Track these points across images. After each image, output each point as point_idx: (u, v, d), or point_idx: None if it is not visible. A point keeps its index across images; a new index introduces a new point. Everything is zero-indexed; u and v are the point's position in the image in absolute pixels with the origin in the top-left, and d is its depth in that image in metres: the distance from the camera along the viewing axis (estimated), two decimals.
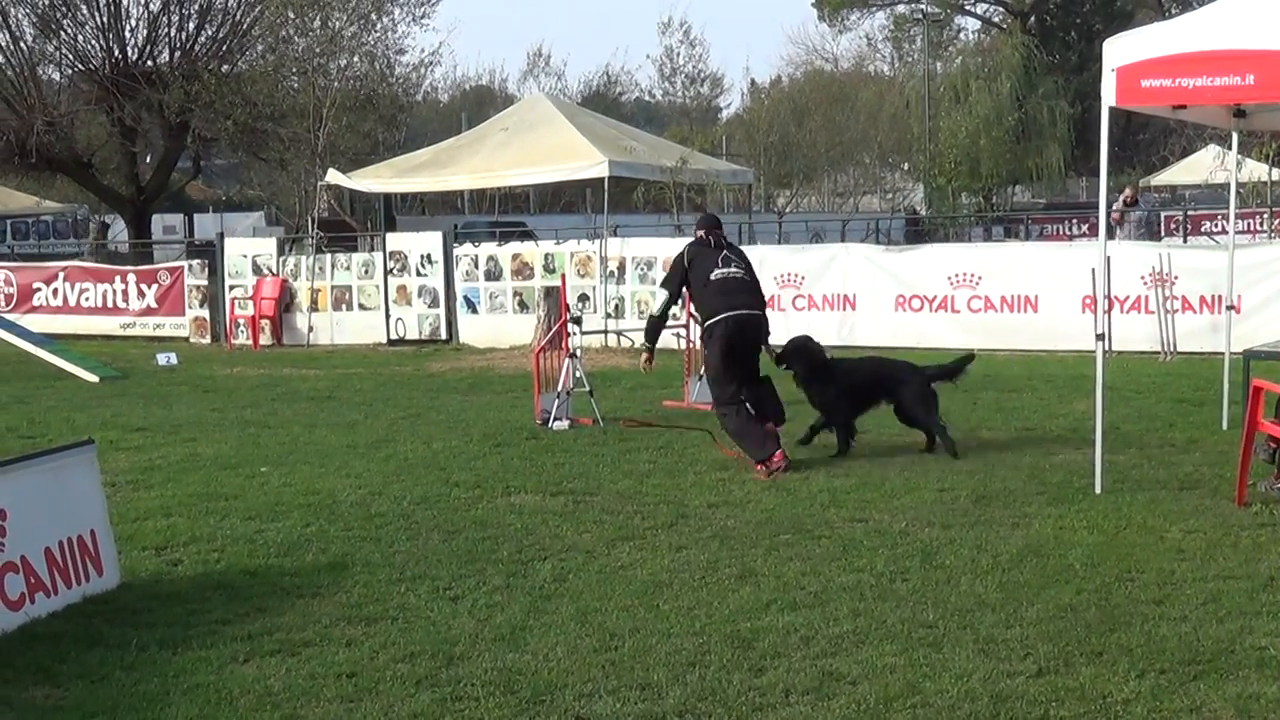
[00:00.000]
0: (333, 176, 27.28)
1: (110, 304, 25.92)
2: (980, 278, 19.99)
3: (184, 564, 8.13)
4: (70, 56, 32.38)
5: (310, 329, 23.87)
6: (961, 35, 63.56)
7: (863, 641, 6.41)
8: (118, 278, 26.02)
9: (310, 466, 11.22)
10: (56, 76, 33.87)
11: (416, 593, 7.37)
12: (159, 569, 8.03)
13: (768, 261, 21.29)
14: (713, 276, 11.17)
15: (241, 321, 24.27)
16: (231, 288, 24.57)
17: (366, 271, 23.77)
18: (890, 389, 11.46)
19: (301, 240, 26.42)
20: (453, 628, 6.73)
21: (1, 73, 31.34)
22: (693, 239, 11.76)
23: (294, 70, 30.69)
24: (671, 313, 12.18)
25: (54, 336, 22.28)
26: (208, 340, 24.68)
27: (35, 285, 26.72)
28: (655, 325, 11.76)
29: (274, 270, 24.34)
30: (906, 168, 55.55)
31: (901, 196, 56.06)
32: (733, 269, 11.25)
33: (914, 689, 5.78)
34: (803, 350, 11.73)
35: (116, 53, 31.78)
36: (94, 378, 18.49)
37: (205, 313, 24.93)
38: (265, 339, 23.91)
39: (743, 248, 13.37)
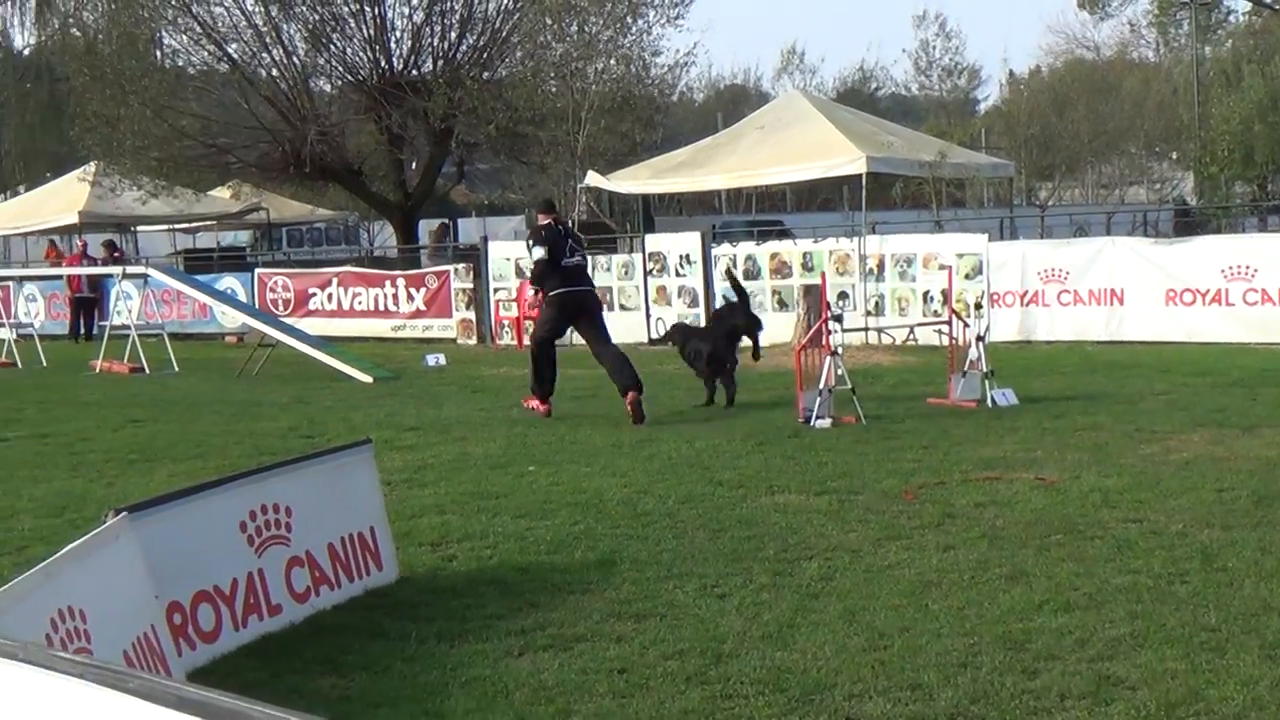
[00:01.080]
0: (592, 179, 27.67)
1: (381, 307, 26.79)
2: (1256, 270, 19.21)
3: (458, 560, 8.36)
4: (340, 69, 33.50)
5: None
6: (1230, 18, 61.13)
7: (1141, 645, 6.23)
8: (387, 282, 26.89)
9: (577, 465, 11.41)
10: (327, 88, 35.11)
11: (684, 590, 7.44)
12: (435, 564, 8.27)
13: (1030, 256, 20.84)
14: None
15: (506, 323, 24.81)
16: (496, 290, 25.15)
17: (626, 272, 24.05)
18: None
19: None
20: (720, 625, 6.77)
21: (276, 86, 32.59)
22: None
23: (552, 75, 31.21)
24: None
25: (329, 339, 23.14)
26: (474, 341, 25.30)
27: (311, 290, 27.78)
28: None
29: None
30: (1175, 157, 53.68)
31: (1170, 187, 54.20)
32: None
33: (1197, 695, 5.59)
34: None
35: (383, 63, 32.77)
36: (368, 379, 19.15)
37: (471, 315, 25.57)
38: (528, 339, 24.37)
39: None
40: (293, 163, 31.92)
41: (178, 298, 28.13)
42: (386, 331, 26.52)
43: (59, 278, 30.79)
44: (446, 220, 38.64)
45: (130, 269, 24.91)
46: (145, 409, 16.64)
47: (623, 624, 6.87)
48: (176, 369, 21.64)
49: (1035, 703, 5.59)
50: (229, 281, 28.85)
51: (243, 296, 27.82)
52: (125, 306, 23.82)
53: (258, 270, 29.39)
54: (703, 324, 18.61)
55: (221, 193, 37.73)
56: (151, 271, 24.05)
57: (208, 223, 41.04)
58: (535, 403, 14.94)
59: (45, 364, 23.40)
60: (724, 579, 7.63)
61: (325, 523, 7.48)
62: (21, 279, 31.30)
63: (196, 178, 33.96)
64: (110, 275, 27.30)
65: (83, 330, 30.61)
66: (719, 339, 15.51)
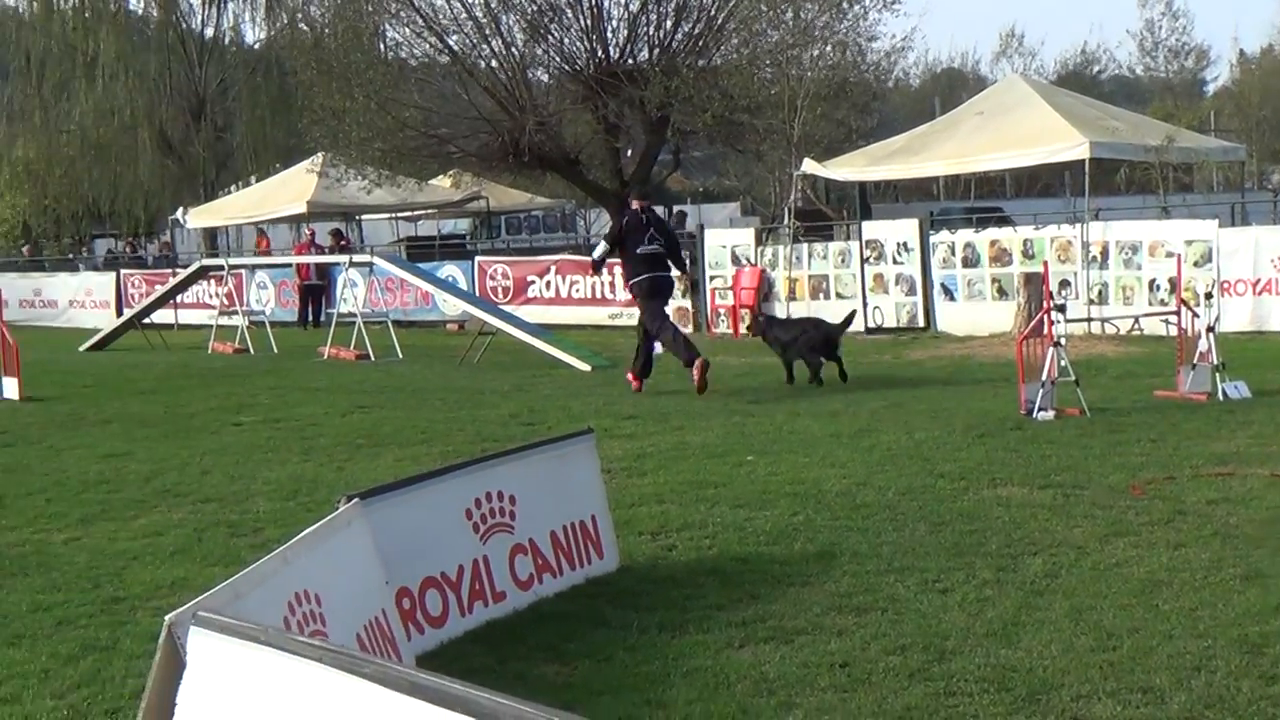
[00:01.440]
0: (808, 166, 27.53)
1: (598, 295, 27.06)
2: None
3: (678, 549, 8.41)
4: (557, 59, 33.84)
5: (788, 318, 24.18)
6: None
7: None
8: (605, 270, 27.13)
9: (795, 455, 11.38)
10: (545, 79, 35.54)
11: (905, 584, 7.37)
12: (655, 553, 8.33)
13: (1263, 243, 20.09)
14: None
15: (722, 311, 24.85)
16: (712, 278, 25.19)
17: (843, 260, 23.88)
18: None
19: (778, 230, 26.80)
20: (943, 621, 6.69)
21: (495, 77, 33.06)
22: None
23: (767, 62, 31.11)
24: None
25: (547, 327, 23.45)
26: (690, 329, 25.38)
27: (529, 278, 28.18)
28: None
29: (752, 260, 24.80)
30: None
31: None
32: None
33: None
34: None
35: (600, 53, 33.02)
36: (586, 366, 19.36)
37: (687, 302, 25.66)
38: (745, 328, 24.39)
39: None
40: (511, 152, 32.36)
41: (401, 285, 28.79)
42: (603, 319, 26.77)
43: (288, 266, 31.75)
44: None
45: (356, 257, 25.59)
46: (371, 395, 17.10)
47: (843, 617, 6.83)
48: (400, 356, 22.17)
49: (1274, 709, 5.40)
50: (450, 269, 29.43)
51: (463, 284, 28.36)
52: (351, 294, 24.49)
53: (478, 258, 29.92)
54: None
55: (442, 182, 38.52)
56: (377, 260, 24.66)
57: (429, 211, 41.91)
58: (692, 365, 16.04)
59: (276, 350, 24.18)
60: (946, 574, 7.53)
61: (548, 511, 7.59)
62: (253, 267, 32.35)
63: (418, 167, 34.65)
64: (337, 263, 28.09)
65: (310, 317, 31.54)
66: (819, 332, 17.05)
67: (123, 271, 36.72)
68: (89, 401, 17.48)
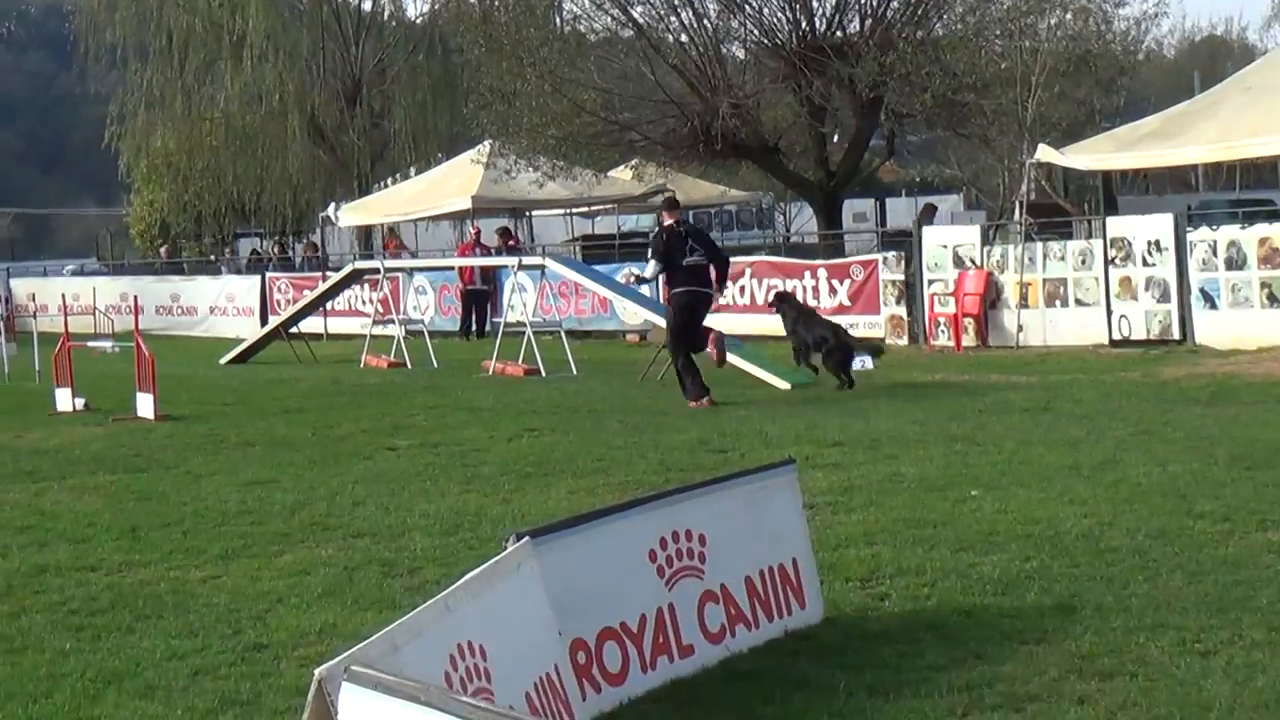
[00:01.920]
0: (1043, 153, 27.08)
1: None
2: None
3: (891, 599, 8.33)
4: (755, 32, 33.84)
5: (1020, 328, 23.85)
6: None
7: None
8: (807, 273, 27.06)
9: (1027, 490, 11.21)
10: (741, 55, 35.56)
11: (1158, 644, 7.19)
12: (864, 603, 8.26)
13: None
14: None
15: (942, 320, 24.60)
16: (930, 282, 24.96)
17: (1084, 262, 23.47)
18: None
19: (1007, 227, 26.44)
20: (1204, 690, 6.52)
21: (685, 53, 33.15)
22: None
23: (997, 33, 30.75)
24: None
25: (742, 338, 23.44)
26: (905, 341, 25.18)
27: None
28: None
29: (977, 262, 24.51)
30: None
31: None
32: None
33: None
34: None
35: (804, 25, 32.94)
36: (785, 384, 19.30)
37: (902, 310, 25.46)
38: (969, 340, 24.12)
39: None
40: (702, 139, 32.44)
41: (575, 291, 29.04)
42: None
43: (450, 269, 32.23)
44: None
45: (526, 259, 25.88)
46: (542, 416, 17.27)
47: (1085, 682, 6.70)
48: (575, 371, 22.35)
49: None
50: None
51: (646, 289, 28.49)
52: (520, 301, 24.75)
53: None
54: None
55: (623, 173, 38.72)
56: (549, 262, 24.91)
57: (608, 206, 42.21)
58: (696, 401, 17.71)
59: (435, 365, 24.57)
60: (1207, 633, 7.34)
61: (743, 553, 7.56)
62: (411, 270, 32.91)
63: (596, 157, 34.91)
64: (505, 266, 28.43)
65: (474, 327, 31.98)
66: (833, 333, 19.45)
67: (268, 275, 37.65)
68: (229, 422, 17.95)
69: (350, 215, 39.50)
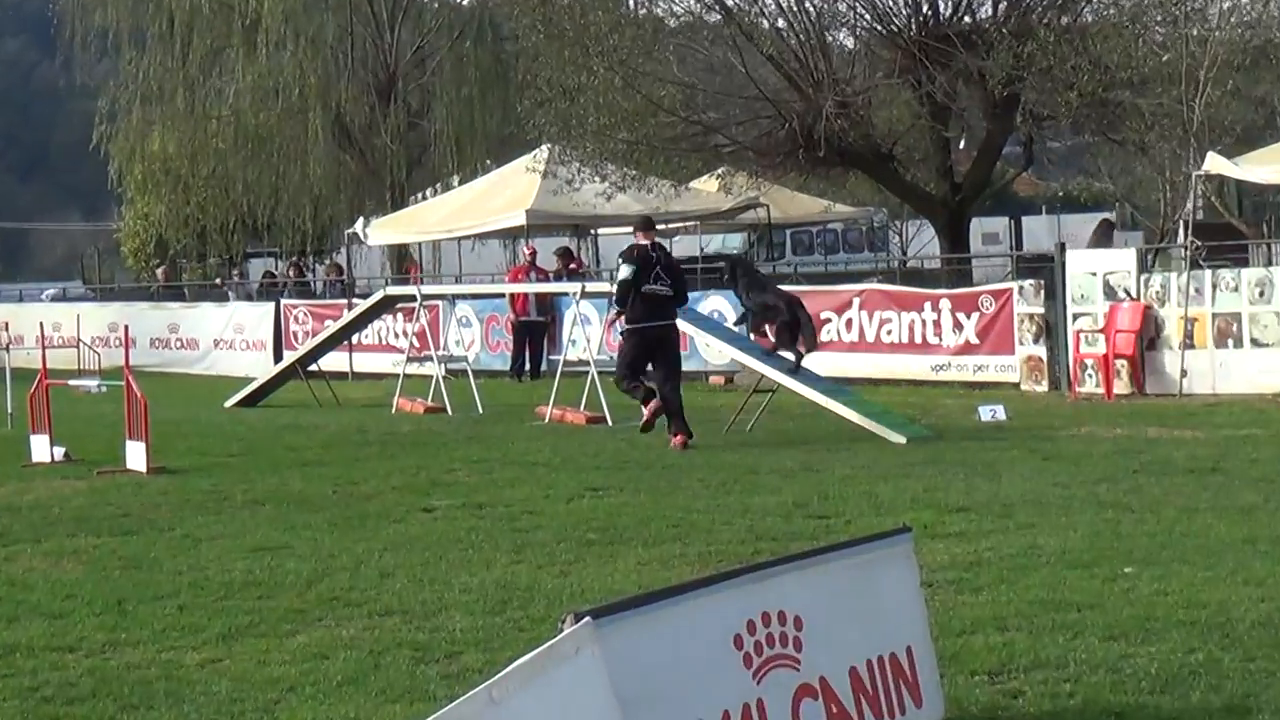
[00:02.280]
0: (1212, 163, 26.89)
1: (918, 339, 26.88)
2: None
3: (1026, 696, 8.26)
4: (866, 17, 33.85)
5: (1183, 373, 23.66)
6: None
7: None
8: (927, 304, 26.96)
9: (1191, 568, 11.11)
10: (849, 44, 35.56)
11: None
12: (993, 701, 8.20)
13: None
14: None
15: (1089, 362, 24.45)
16: (1075, 317, 24.82)
17: (1261, 294, 23.29)
18: None
19: (1169, 252, 26.28)
20: None
21: (783, 42, 33.13)
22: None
23: (1158, 19, 30.64)
24: None
25: (846, 382, 23.37)
26: (1044, 387, 25.03)
27: (823, 314, 28.14)
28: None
29: (1132, 293, 24.36)
30: None
31: None
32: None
33: None
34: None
35: (925, 9, 32.93)
36: (900, 438, 19.22)
37: (1041, 350, 25.31)
38: (1121, 386, 23.96)
39: None
40: (802, 144, 32.43)
41: None
42: (924, 372, 26.58)
43: (500, 297, 32.32)
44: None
45: (591, 285, 25.91)
46: (607, 473, 17.26)
47: None
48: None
49: None
50: (715, 302, 29.58)
51: (732, 323, 28.49)
52: (583, 334, 24.77)
53: None
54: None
55: (707, 184, 38.78)
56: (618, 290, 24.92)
57: (688, 224, 42.25)
58: (676, 440, 19.49)
59: (481, 410, 24.61)
60: None
61: (846, 640, 7.51)
62: (454, 298, 33.03)
63: (675, 165, 35.00)
64: (565, 294, 28.49)
65: (528, 366, 32.02)
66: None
67: (284, 302, 37.87)
68: (235, 476, 18.03)
69: (381, 232, 39.61)
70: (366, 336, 33.16)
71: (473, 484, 16.79)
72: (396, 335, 33.11)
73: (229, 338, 38.46)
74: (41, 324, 26.63)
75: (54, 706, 8.77)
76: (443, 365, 26.75)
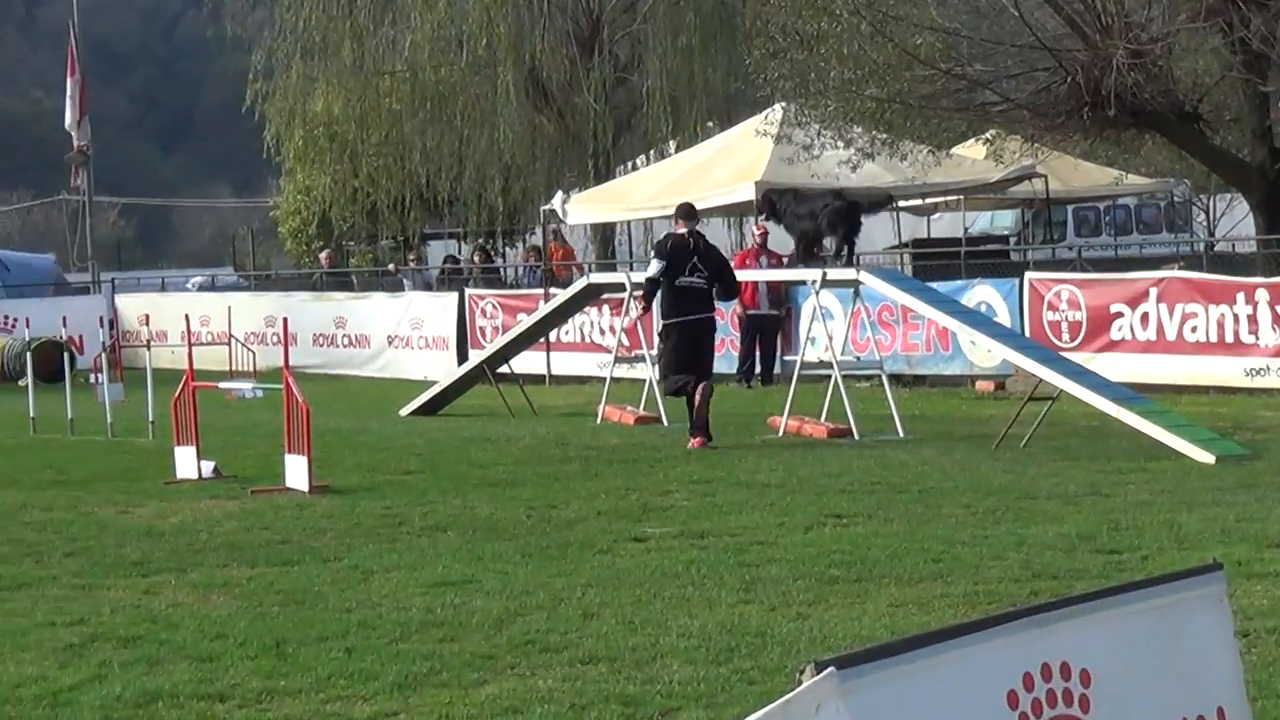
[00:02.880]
0: None
1: (1229, 337, 26.48)
2: None
3: None
4: None
5: None
6: None
7: None
8: (1240, 295, 26.59)
9: None
10: None
11: None
12: None
13: None
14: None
15: None
16: None
17: None
18: None
19: None
20: None
21: None
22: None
23: None
24: None
25: (1142, 389, 23.09)
26: None
27: (1113, 307, 27.84)
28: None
29: None
30: None
31: None
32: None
33: None
34: None
35: None
36: (1208, 456, 18.97)
37: None
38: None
39: None
40: (1087, 101, 32.10)
41: (903, 317, 28.93)
42: (1237, 377, 26.20)
43: None
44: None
45: (833, 273, 25.83)
46: (853, 496, 17.22)
47: None
48: (900, 433, 22.24)
49: None
50: (982, 292, 29.43)
51: (1003, 317, 28.31)
52: (824, 331, 24.71)
53: (1029, 274, 29.79)
54: None
55: (972, 150, 38.52)
56: (865, 276, 24.84)
57: (950, 199, 42.03)
58: (695, 440, 21.92)
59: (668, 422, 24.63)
60: None
61: (1143, 700, 7.42)
62: None
63: (935, 127, 34.78)
64: (803, 282, 28.44)
65: (758, 367, 32.02)
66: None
67: (469, 292, 38.15)
68: (413, 496, 18.24)
69: (584, 208, 39.72)
70: (567, 333, 33.37)
71: (692, 508, 16.83)
72: (602, 332, 33.28)
73: (405, 334, 38.81)
74: (187, 317, 26.96)
75: None
76: (657, 367, 26.78)
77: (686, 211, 23.66)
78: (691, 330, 22.40)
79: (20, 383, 31.70)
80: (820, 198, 24.53)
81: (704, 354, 22.59)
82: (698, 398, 21.93)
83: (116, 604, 13.09)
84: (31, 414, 26.51)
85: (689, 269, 22.24)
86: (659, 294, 23.29)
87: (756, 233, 34.50)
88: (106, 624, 12.33)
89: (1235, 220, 44.61)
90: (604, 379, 27.03)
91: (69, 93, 52.83)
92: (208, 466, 20.03)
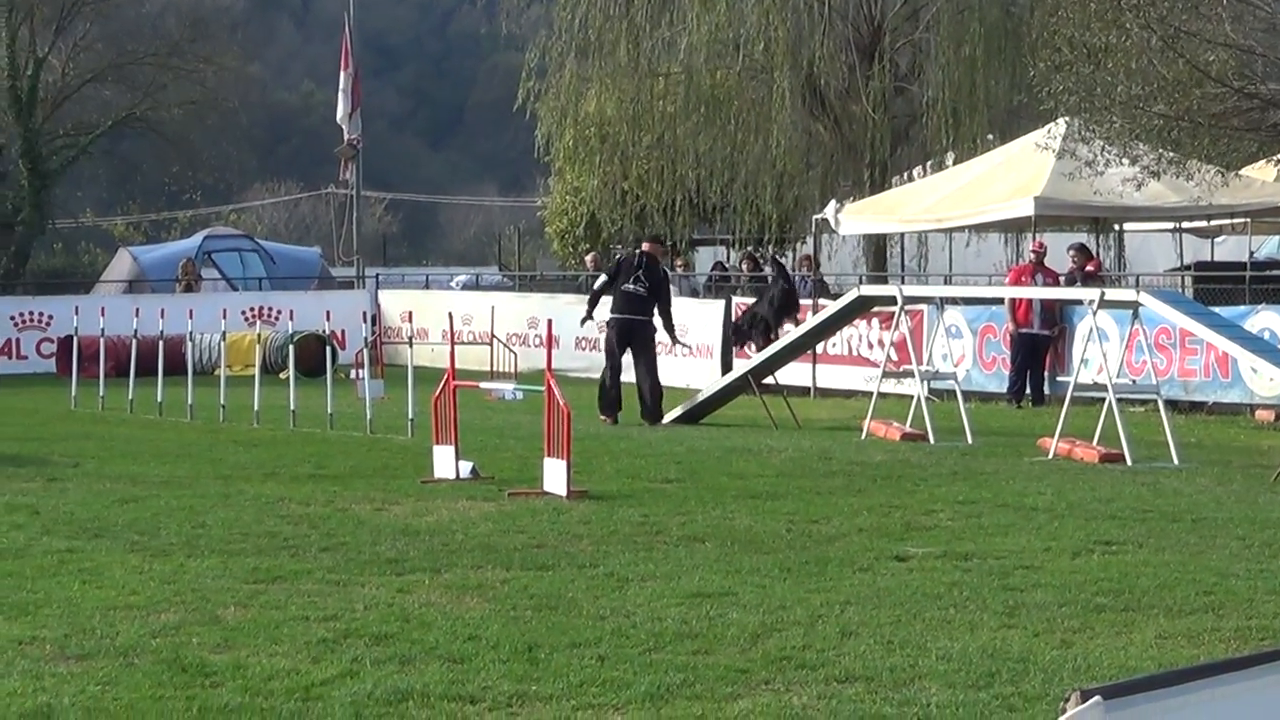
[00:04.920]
0: None
1: None
2: None
3: None
4: None
5: None
6: None
7: None
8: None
9: None
10: None
11: None
12: None
13: None
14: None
15: None
16: None
17: None
18: None
19: None
20: None
21: None
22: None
23: None
24: None
25: None
26: None
27: None
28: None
29: None
30: None
31: None
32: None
33: None
34: None
35: None
36: None
37: None
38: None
39: None
40: None
41: (1181, 342, 28.58)
42: None
43: (998, 302, 32.15)
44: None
45: (1111, 293, 25.60)
46: (1123, 524, 17.06)
47: None
48: (1175, 459, 21.98)
49: None
50: (1266, 318, 28.99)
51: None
52: (1099, 352, 24.48)
53: None
54: None
55: (1262, 171, 37.93)
56: (1145, 298, 24.58)
57: (1236, 220, 41.38)
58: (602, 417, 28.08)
59: (970, 439, 24.49)
60: None
61: None
62: (942, 301, 32.94)
63: (1224, 147, 34.31)
64: (1079, 302, 28.20)
65: (1029, 387, 31.78)
66: None
67: (736, 300, 38.24)
68: (671, 505, 18.33)
69: (856, 219, 39.62)
70: (834, 346, 33.33)
71: (956, 529, 16.75)
72: (870, 345, 33.22)
73: (668, 341, 38.92)
74: (450, 316, 27.26)
75: None
76: (926, 383, 26.70)
77: (654, 239, 31.39)
78: (627, 326, 28.87)
79: (282, 375, 32.25)
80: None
81: (646, 348, 29.04)
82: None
83: (370, 601, 13.28)
84: (292, 407, 26.99)
85: (633, 279, 28.63)
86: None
87: (1033, 249, 34.24)
88: (360, 621, 12.52)
89: None
90: (871, 394, 26.93)
91: (341, 86, 53.74)
92: (465, 467, 20.24)
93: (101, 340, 32.19)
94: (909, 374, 27.41)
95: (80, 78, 69.63)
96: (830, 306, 29.57)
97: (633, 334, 28.72)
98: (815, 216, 41.73)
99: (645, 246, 29.76)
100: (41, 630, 12.21)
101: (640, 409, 28.45)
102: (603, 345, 29.41)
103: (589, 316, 30.22)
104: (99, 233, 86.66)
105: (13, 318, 45.34)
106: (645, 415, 28.42)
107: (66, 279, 63.28)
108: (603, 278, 29.49)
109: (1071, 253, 34.35)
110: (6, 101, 61.22)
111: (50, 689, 10.55)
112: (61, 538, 16.32)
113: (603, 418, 28.08)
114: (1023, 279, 32.59)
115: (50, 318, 44.53)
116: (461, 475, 20.11)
